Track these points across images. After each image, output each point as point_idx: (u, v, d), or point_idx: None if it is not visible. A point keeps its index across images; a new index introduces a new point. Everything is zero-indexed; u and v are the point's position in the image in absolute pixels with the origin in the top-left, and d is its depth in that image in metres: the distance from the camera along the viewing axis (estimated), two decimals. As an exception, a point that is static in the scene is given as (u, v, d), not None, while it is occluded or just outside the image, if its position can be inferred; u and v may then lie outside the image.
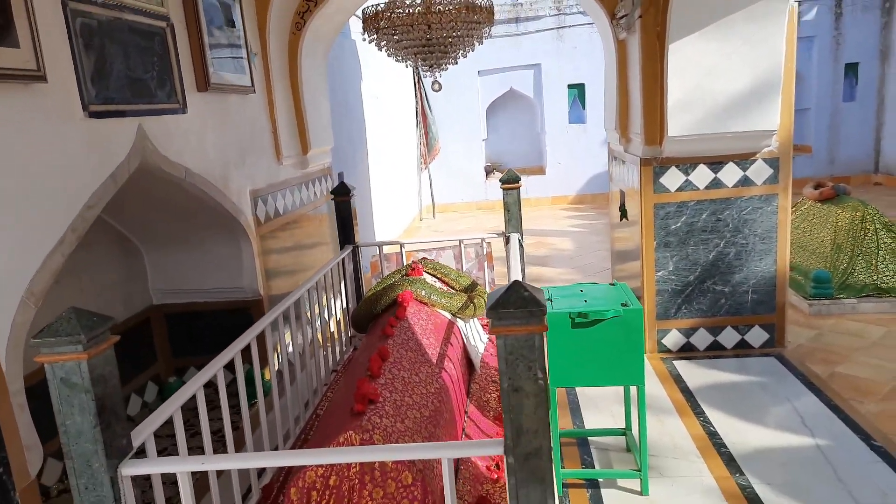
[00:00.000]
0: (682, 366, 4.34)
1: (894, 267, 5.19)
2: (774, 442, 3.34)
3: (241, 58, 3.72)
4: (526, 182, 11.48)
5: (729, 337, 4.49)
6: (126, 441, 1.63)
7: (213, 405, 3.21)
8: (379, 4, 3.35)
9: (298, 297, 3.14)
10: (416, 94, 10.95)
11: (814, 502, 2.85)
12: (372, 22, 3.13)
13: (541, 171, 11.91)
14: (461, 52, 3.36)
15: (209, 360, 2.23)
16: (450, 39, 3.15)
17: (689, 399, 3.88)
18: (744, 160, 4.21)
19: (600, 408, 3.84)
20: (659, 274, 4.43)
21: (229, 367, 2.43)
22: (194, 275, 3.90)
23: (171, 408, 1.90)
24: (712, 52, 3.85)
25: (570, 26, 11.09)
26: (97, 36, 2.49)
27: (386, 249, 4.22)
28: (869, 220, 5.38)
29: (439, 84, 3.57)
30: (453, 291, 3.60)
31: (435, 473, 2.04)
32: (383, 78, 8.99)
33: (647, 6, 3.99)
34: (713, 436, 3.44)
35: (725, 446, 3.33)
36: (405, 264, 4.01)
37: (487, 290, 4.03)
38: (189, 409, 2.17)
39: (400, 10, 3.07)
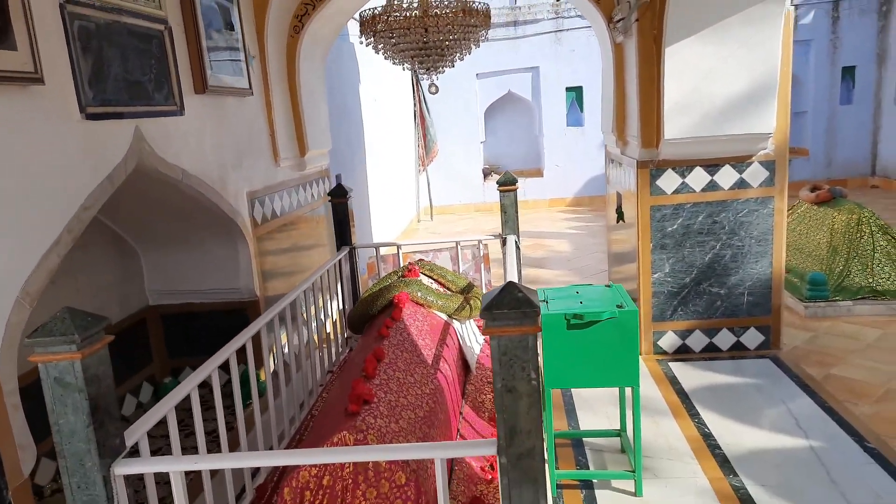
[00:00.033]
0: (677, 367, 4.35)
1: (890, 270, 5.21)
2: (769, 443, 3.35)
3: (239, 60, 3.73)
4: (524, 184, 11.57)
5: (724, 339, 4.50)
6: (119, 440, 1.63)
7: (208, 406, 3.21)
8: (376, 8, 3.37)
9: (294, 298, 3.15)
10: (414, 96, 10.97)
11: (807, 503, 2.86)
12: (369, 25, 3.15)
13: (539, 173, 11.93)
14: (458, 55, 3.38)
15: (205, 361, 2.23)
16: (447, 43, 3.17)
17: (685, 400, 3.89)
18: (740, 163, 4.23)
19: (595, 409, 3.85)
20: (655, 276, 4.44)
21: (224, 367, 2.43)
22: (191, 276, 3.91)
23: (165, 407, 1.91)
24: (709, 56, 3.87)
25: (568, 30, 11.12)
26: (95, 39, 2.50)
27: (383, 251, 4.24)
28: (865, 222, 5.40)
29: (436, 87, 3.59)
30: (450, 293, 3.61)
31: (429, 474, 2.05)
32: (382, 81, 9.01)
33: (644, 10, 4.01)
34: (708, 437, 3.45)
35: (720, 448, 3.34)
36: (402, 266, 4.02)
37: (484, 291, 4.04)
38: (184, 409, 2.17)
39: (397, 14, 3.09)
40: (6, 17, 2.04)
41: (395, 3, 3.11)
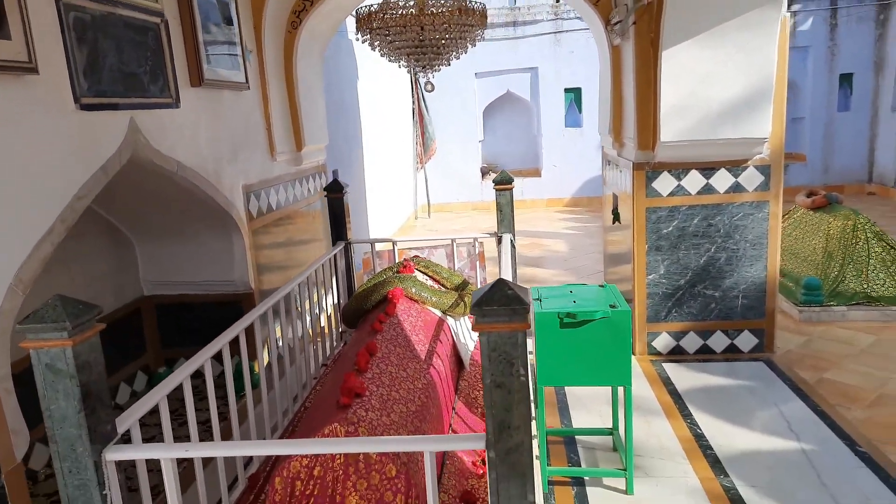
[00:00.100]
0: (671, 368, 4.36)
1: (884, 276, 5.23)
2: (760, 445, 3.36)
3: (236, 55, 3.74)
4: (522, 184, 11.60)
5: (718, 341, 4.52)
6: (111, 427, 1.64)
7: (202, 396, 3.22)
8: (373, 5, 3.37)
9: (289, 291, 3.16)
10: (412, 94, 10.97)
11: (797, 505, 2.87)
12: (365, 22, 3.15)
13: (537, 173, 11.95)
14: (454, 53, 3.38)
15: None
16: (442, 41, 3.17)
17: (677, 401, 3.90)
18: (735, 167, 4.25)
19: (588, 408, 3.85)
20: (650, 277, 4.46)
21: (218, 359, 2.44)
22: (185, 267, 3.91)
23: (158, 395, 1.91)
24: (705, 60, 3.88)
25: (567, 31, 11.14)
26: (90, 30, 2.51)
27: (378, 246, 4.24)
28: (860, 228, 5.42)
29: (432, 84, 3.60)
30: (444, 290, 3.62)
31: (419, 467, 2.05)
32: (380, 78, 9.01)
33: (641, 13, 4.02)
34: (700, 438, 3.46)
35: (711, 448, 3.35)
36: (397, 262, 4.02)
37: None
38: (178, 399, 2.18)
39: (393, 12, 3.09)
40: (1, 7, 2.04)
41: (392, 0, 3.12)
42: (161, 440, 1.98)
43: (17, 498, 2.00)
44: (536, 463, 2.64)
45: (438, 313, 3.42)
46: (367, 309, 3.33)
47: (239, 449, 1.94)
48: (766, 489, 2.98)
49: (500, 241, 3.93)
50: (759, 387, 4.03)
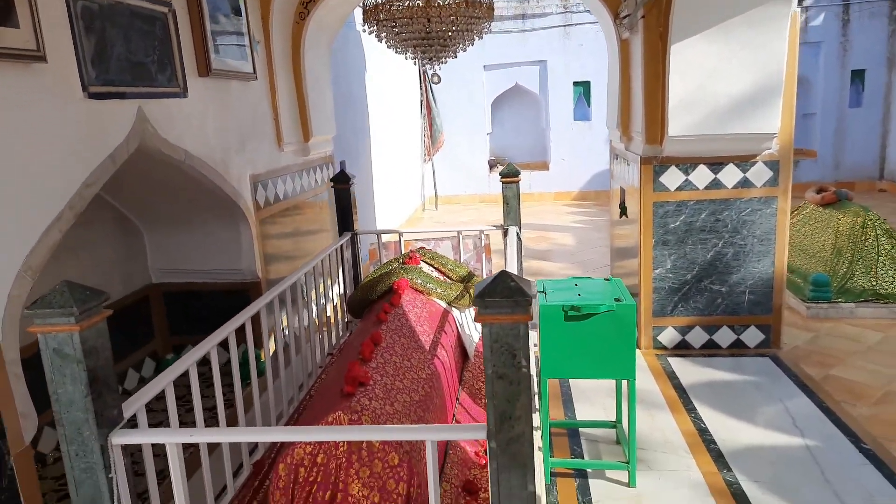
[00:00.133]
0: (676, 363, 4.36)
1: (893, 273, 5.20)
2: (764, 441, 3.36)
3: (244, 45, 3.74)
4: (529, 177, 11.57)
5: (724, 336, 4.51)
6: (117, 411, 1.66)
7: (209, 384, 3.24)
8: (381, -4, 3.37)
9: (295, 280, 3.17)
10: (421, 86, 10.95)
11: (799, 502, 2.87)
12: (372, 13, 3.15)
13: (545, 166, 11.92)
14: (460, 46, 3.37)
15: (205, 339, 2.26)
16: (449, 33, 3.17)
17: (682, 395, 3.90)
18: (744, 162, 4.22)
19: (592, 400, 3.86)
20: (657, 271, 4.45)
21: (226, 347, 2.46)
22: (193, 256, 3.94)
23: (163, 381, 1.93)
24: (714, 54, 3.85)
25: (576, 24, 11.07)
26: (98, 19, 2.52)
27: (385, 238, 4.25)
28: (870, 225, 5.38)
29: (438, 76, 3.60)
30: (450, 281, 3.62)
31: (421, 456, 2.06)
32: (388, 69, 9.00)
33: (650, 6, 3.99)
34: (703, 432, 3.46)
35: (715, 443, 3.35)
36: (403, 253, 4.03)
37: (484, 281, 4.04)
38: (185, 385, 2.20)
39: (400, 3, 3.09)
40: (9, -4, 2.06)
41: (399, -9, 3.12)
42: (168, 426, 2.01)
43: (26, 480, 2.03)
44: (539, 454, 2.65)
45: (444, 305, 3.43)
46: (372, 299, 3.34)
47: (243, 435, 1.96)
48: (769, 484, 2.98)
49: (506, 234, 3.92)
50: (764, 382, 4.02)
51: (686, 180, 4.29)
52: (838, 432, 3.41)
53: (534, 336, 3.51)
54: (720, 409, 3.70)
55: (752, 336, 4.48)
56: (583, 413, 3.73)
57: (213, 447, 2.57)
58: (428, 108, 10.95)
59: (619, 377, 2.98)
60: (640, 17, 4.07)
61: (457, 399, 2.95)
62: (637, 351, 4.49)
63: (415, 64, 10.48)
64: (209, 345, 2.23)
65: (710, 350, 4.52)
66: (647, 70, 4.13)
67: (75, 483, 1.59)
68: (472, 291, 3.54)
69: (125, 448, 1.66)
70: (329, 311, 3.88)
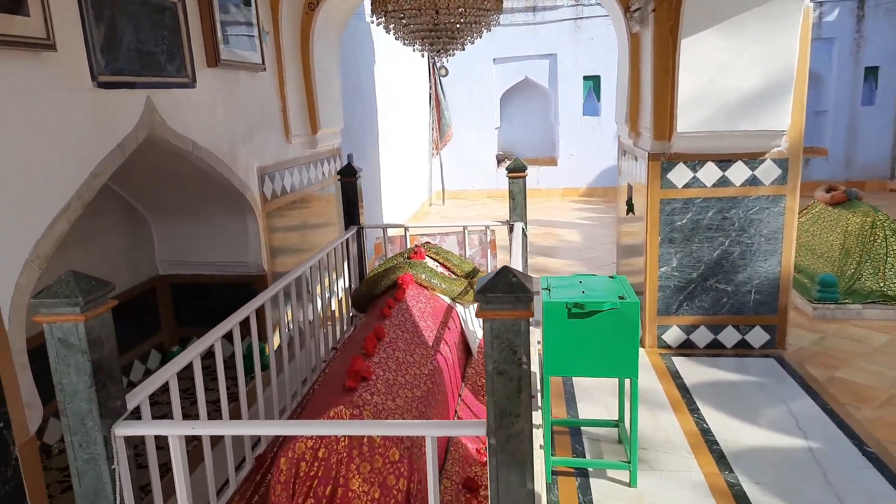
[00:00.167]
0: (680, 362, 4.35)
1: (902, 275, 5.16)
2: (767, 442, 3.35)
3: (253, 36, 3.74)
4: (537, 172, 11.53)
5: (729, 336, 4.49)
6: (121, 403, 1.67)
7: (213, 377, 3.26)
8: (388, -12, 3.35)
9: (300, 274, 3.18)
10: (429, 79, 10.91)
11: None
12: (380, 5, 3.14)
13: (553, 161, 11.87)
14: (469, 38, 3.35)
15: (210, 331, 2.26)
16: (457, 25, 3.15)
17: (685, 395, 3.89)
18: (752, 159, 4.19)
19: (595, 399, 3.86)
20: (662, 269, 4.43)
21: (230, 339, 2.47)
22: (200, 247, 3.95)
23: (167, 373, 1.94)
24: (725, 50, 3.82)
25: (587, 17, 10.98)
26: (108, 8, 2.53)
27: (390, 232, 4.25)
28: (879, 226, 5.33)
29: (446, 69, 3.59)
30: (454, 277, 3.62)
31: (422, 452, 2.07)
32: (397, 62, 8.97)
33: (661, 0, 3.96)
34: (706, 433, 3.45)
35: (717, 444, 3.34)
36: (408, 247, 4.03)
37: (489, 277, 4.03)
38: (189, 378, 2.21)
39: (408, -5, 3.07)
40: (20, -16, 2.06)
41: (407, -16, 3.10)
42: (171, 418, 2.02)
43: (30, 470, 2.04)
44: (539, 452, 2.65)
45: (448, 300, 3.43)
46: (376, 294, 3.35)
47: (245, 428, 1.97)
48: (771, 486, 2.98)
49: (511, 230, 3.92)
50: (768, 383, 4.00)
51: (694, 177, 4.26)
52: (842, 435, 3.39)
53: (537, 333, 3.51)
54: (723, 409, 3.69)
55: (758, 336, 4.46)
56: (585, 411, 3.73)
57: (216, 440, 2.59)
58: (437, 102, 10.91)
59: (622, 376, 2.97)
60: (651, 10, 4.04)
61: (459, 395, 2.96)
62: (641, 350, 4.49)
63: (423, 56, 10.45)
64: (213, 337, 2.24)
65: (714, 350, 4.50)
66: (657, 65, 4.10)
67: (78, 474, 1.61)
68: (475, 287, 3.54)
69: (128, 440, 1.67)
70: (334, 306, 3.89)
